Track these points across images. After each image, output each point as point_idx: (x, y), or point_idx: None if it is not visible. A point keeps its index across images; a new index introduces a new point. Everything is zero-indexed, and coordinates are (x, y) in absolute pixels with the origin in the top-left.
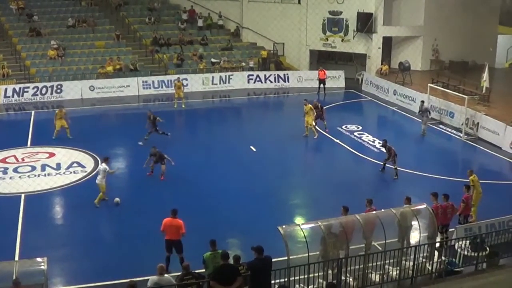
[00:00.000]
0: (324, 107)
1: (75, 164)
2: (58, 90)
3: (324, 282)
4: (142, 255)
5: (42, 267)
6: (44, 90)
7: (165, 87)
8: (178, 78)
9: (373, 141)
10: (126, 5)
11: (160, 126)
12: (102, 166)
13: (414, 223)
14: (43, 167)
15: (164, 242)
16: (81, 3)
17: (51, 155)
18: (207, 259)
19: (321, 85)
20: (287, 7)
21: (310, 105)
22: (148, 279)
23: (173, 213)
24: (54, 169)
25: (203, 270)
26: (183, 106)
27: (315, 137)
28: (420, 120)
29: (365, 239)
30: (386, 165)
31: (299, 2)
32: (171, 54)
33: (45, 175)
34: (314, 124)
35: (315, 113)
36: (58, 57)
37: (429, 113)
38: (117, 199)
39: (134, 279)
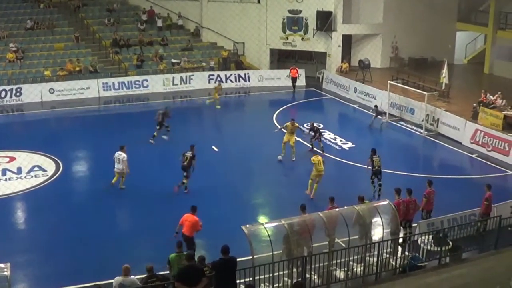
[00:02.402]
0: (286, 106)
1: (36, 168)
2: (18, 94)
3: (289, 281)
4: (106, 258)
5: (5, 273)
6: (3, 94)
7: (125, 88)
8: (220, 80)
9: (335, 139)
10: (85, 6)
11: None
12: (122, 155)
13: (377, 219)
14: (4, 172)
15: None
16: (39, 5)
17: (12, 159)
18: (172, 260)
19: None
20: (246, 7)
21: (296, 124)
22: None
23: (192, 210)
24: (15, 173)
25: (168, 272)
26: (218, 106)
27: (293, 159)
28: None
29: (328, 236)
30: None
31: (258, 2)
32: (131, 55)
33: (6, 179)
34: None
35: (314, 136)
36: (17, 60)
37: (385, 113)
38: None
39: (100, 282)
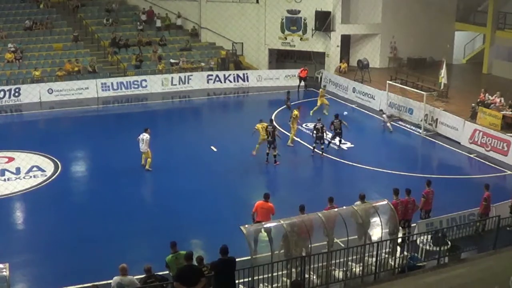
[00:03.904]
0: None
1: (35, 168)
2: (16, 94)
3: (288, 281)
4: (104, 258)
5: (4, 273)
6: (2, 94)
7: (124, 88)
8: (324, 86)
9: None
10: (84, 6)
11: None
12: (145, 136)
13: (376, 219)
14: (2, 172)
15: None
16: (38, 5)
17: (10, 159)
18: (170, 262)
19: (301, 83)
20: (245, 7)
21: (296, 112)
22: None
23: (265, 197)
24: (14, 173)
25: (167, 272)
26: (326, 112)
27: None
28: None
29: (327, 236)
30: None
31: (257, 2)
32: (130, 56)
33: (4, 180)
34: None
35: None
36: (16, 60)
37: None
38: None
39: (99, 283)
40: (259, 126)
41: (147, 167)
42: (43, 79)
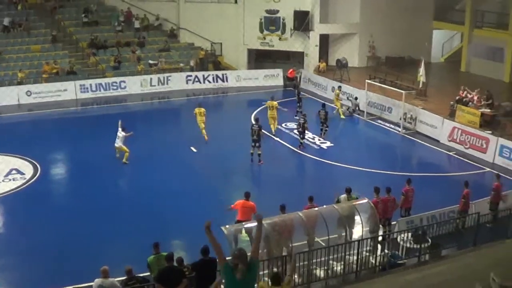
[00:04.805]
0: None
1: (14, 171)
2: None
3: (269, 281)
4: (85, 260)
5: None
6: None
7: (103, 90)
8: (339, 87)
9: (313, 138)
10: (62, 8)
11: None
12: (121, 134)
13: (356, 217)
14: None
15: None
16: (16, 7)
17: None
18: (151, 263)
19: (288, 83)
20: (224, 7)
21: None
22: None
23: (246, 196)
24: None
25: (148, 274)
26: (342, 116)
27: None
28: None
29: (308, 235)
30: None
31: (235, 2)
32: (108, 57)
33: None
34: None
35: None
36: None
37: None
38: None
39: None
40: (196, 110)
41: (124, 160)
42: (22, 81)
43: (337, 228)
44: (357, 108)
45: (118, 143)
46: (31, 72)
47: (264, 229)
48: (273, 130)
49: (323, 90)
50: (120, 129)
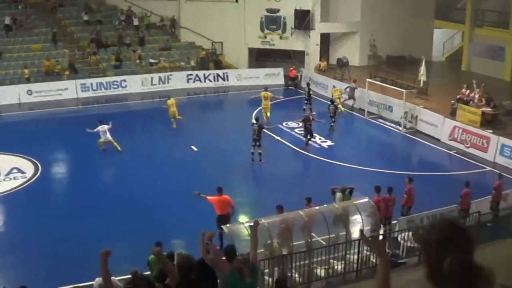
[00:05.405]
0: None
1: (15, 170)
2: None
3: (270, 279)
4: (86, 259)
5: None
6: None
7: (104, 89)
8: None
9: (314, 137)
10: (62, 7)
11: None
12: (105, 127)
13: (357, 217)
14: None
15: (216, 219)
16: (17, 6)
17: None
18: (152, 262)
19: (290, 82)
20: (224, 6)
21: (269, 93)
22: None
23: (219, 191)
24: None
25: (149, 273)
26: (341, 109)
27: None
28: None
29: (308, 235)
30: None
31: (236, 1)
32: (109, 56)
33: None
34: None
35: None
36: None
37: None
38: None
39: (80, 284)
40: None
41: (119, 149)
42: (29, 78)
43: (337, 227)
44: (353, 94)
45: (108, 137)
46: (32, 71)
47: (264, 228)
48: (265, 119)
49: (324, 89)
50: (100, 126)
